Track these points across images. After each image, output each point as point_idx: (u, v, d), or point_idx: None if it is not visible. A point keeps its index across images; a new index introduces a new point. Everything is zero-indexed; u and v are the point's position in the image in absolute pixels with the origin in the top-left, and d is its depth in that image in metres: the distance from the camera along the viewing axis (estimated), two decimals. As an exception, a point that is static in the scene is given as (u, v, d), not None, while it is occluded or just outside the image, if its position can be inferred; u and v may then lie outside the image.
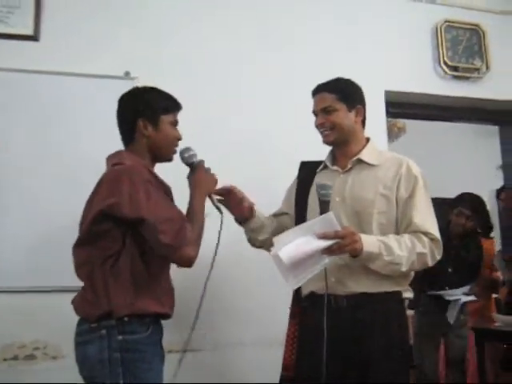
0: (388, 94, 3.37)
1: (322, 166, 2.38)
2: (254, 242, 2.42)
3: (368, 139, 2.35)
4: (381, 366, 2.09)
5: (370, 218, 2.18)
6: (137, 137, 2.08)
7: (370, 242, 2.08)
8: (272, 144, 3.09)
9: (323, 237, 1.99)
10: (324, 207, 2.05)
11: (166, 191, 2.09)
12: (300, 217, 2.30)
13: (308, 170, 2.39)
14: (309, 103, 2.33)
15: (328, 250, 2.00)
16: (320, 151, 2.37)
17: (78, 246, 2.00)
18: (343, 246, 2.01)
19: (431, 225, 2.19)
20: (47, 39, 2.98)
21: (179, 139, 2.15)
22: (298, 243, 2.00)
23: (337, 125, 2.25)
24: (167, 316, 2.04)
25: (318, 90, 2.30)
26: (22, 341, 2.71)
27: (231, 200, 2.29)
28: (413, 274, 2.25)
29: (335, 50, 3.35)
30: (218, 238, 2.13)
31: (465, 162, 6.04)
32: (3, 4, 2.94)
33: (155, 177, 2.06)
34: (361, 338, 2.11)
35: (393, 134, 4.78)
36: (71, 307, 1.99)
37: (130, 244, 1.93)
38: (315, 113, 2.31)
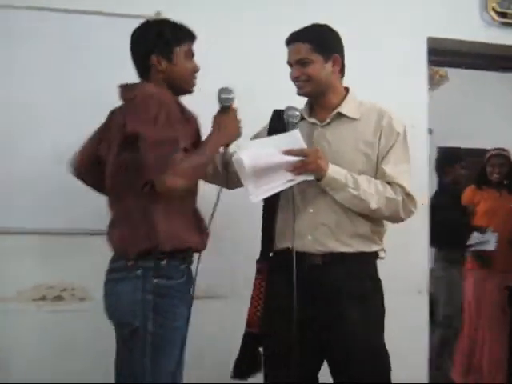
0: (430, 40, 3.18)
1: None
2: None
3: (347, 89, 2.23)
4: (356, 326, 2.05)
5: None
6: (152, 73, 1.99)
7: (336, 170, 2.04)
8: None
9: (288, 153, 1.97)
10: (291, 130, 2.05)
11: (188, 119, 1.99)
12: None
13: (281, 119, 2.19)
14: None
15: (292, 167, 1.97)
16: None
17: (109, 178, 1.98)
18: (307, 164, 1.98)
19: (405, 179, 2.11)
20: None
21: (196, 70, 2.05)
22: (262, 153, 1.98)
23: (313, 77, 2.12)
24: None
25: (292, 40, 2.15)
26: (50, 282, 2.73)
27: None
28: (385, 230, 2.20)
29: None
30: (218, 196, 2.03)
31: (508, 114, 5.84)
32: None
33: (177, 103, 1.97)
34: (334, 298, 2.07)
35: (434, 82, 4.60)
36: (99, 249, 1.99)
37: None
38: (289, 64, 2.17)
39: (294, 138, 2.01)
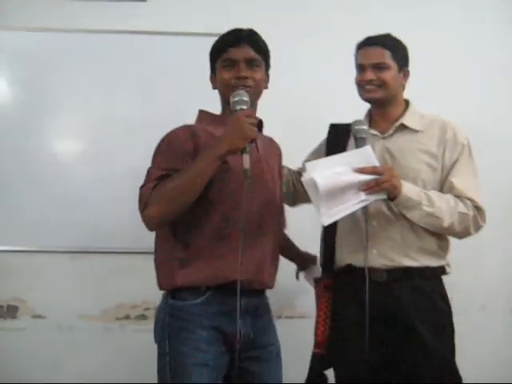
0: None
1: None
2: None
3: (407, 102, 2.16)
4: (428, 345, 1.96)
5: None
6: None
7: (410, 188, 1.96)
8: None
9: (360, 172, 1.88)
10: (361, 145, 1.95)
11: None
12: None
13: (339, 133, 2.18)
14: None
15: (365, 186, 1.88)
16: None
17: None
18: (381, 182, 1.89)
19: (475, 192, 2.03)
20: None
21: (227, 81, 1.89)
22: (335, 172, 1.88)
23: (387, 83, 2.07)
24: (227, 284, 1.80)
25: (371, 43, 2.10)
26: (134, 301, 2.77)
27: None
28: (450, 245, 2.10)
29: None
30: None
31: None
32: (111, -34, 2.93)
33: (194, 136, 1.85)
34: (403, 316, 1.98)
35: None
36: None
37: None
38: (362, 66, 2.10)
39: (365, 155, 1.93)
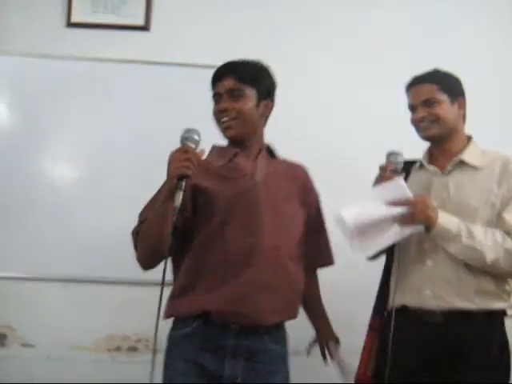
0: None
1: (417, 166, 2.16)
2: None
3: (470, 138, 2.12)
4: None
5: None
6: None
7: (448, 219, 1.90)
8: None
9: (393, 204, 1.85)
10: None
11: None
12: None
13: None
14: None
15: (399, 219, 1.85)
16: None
17: None
18: (415, 214, 1.86)
19: None
20: (158, 29, 2.97)
21: (214, 115, 1.91)
22: (364, 207, 1.88)
23: (440, 117, 2.03)
24: (220, 313, 1.74)
25: (417, 82, 2.09)
26: (125, 332, 2.72)
27: None
28: None
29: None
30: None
31: None
32: (116, -5, 2.96)
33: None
34: (456, 361, 1.89)
35: None
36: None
37: None
38: (413, 107, 2.09)
39: (398, 187, 1.91)
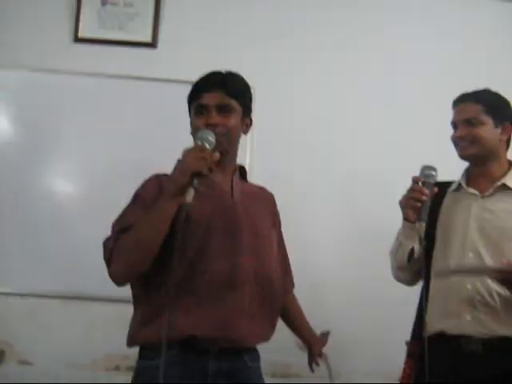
0: None
1: (454, 187, 2.12)
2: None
3: (511, 162, 2.09)
4: None
5: None
6: None
7: None
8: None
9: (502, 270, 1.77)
10: (427, 189, 1.87)
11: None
12: (427, 250, 2.02)
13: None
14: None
15: (499, 272, 1.78)
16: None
17: None
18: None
19: None
20: (165, 47, 2.97)
21: (197, 127, 1.79)
22: None
23: (480, 139, 2.00)
24: (196, 338, 1.66)
25: (463, 100, 2.07)
26: (125, 352, 2.66)
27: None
28: None
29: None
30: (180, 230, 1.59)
31: None
32: (123, 11, 2.96)
33: (160, 184, 1.79)
34: None
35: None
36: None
37: None
38: (455, 124, 2.07)
39: None
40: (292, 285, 2.10)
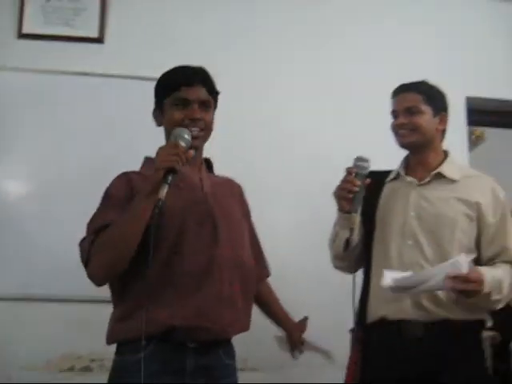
0: (469, 100, 3.14)
1: (392, 176, 2.17)
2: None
3: (446, 152, 2.16)
4: None
5: (452, 237, 1.98)
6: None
7: (487, 284, 1.86)
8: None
9: (453, 277, 1.78)
10: (359, 179, 1.91)
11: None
12: (367, 235, 2.10)
13: (373, 181, 2.06)
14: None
15: (452, 285, 1.79)
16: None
17: None
18: (468, 289, 1.81)
19: None
20: (112, 42, 2.93)
21: (179, 121, 1.81)
22: (410, 274, 1.86)
23: (420, 127, 2.06)
24: (172, 330, 1.67)
25: (403, 89, 2.12)
26: (79, 352, 2.64)
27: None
28: None
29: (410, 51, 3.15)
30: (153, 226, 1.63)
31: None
32: (69, 7, 2.91)
33: (129, 182, 1.81)
34: (438, 374, 1.88)
35: (470, 143, 4.50)
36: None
37: None
38: (395, 113, 2.12)
39: (456, 263, 1.82)
40: (267, 272, 2.12)
